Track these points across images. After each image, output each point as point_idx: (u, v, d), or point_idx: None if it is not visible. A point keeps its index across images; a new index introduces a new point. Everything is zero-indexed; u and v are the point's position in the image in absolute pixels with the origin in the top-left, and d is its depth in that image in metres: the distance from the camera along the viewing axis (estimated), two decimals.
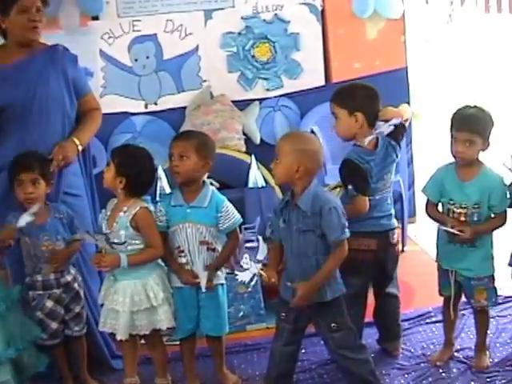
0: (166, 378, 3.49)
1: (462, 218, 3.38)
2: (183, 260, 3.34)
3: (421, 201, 4.01)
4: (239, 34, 4.76)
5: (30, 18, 3.41)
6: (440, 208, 3.48)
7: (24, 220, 3.19)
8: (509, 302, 3.89)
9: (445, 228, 3.38)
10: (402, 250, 4.68)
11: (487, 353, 3.56)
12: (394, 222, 3.52)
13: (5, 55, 3.48)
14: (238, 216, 3.36)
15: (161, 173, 4.19)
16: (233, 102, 4.72)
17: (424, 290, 4.22)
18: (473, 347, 3.60)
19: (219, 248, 3.36)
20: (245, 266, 3.81)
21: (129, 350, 3.44)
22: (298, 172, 3.05)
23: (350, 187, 3.31)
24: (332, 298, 3.12)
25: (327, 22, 4.86)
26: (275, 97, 4.82)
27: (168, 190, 4.11)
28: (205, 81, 4.77)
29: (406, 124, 3.55)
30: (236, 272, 3.85)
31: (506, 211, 3.39)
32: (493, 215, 3.39)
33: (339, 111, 3.39)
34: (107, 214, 3.33)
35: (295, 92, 4.85)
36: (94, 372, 3.62)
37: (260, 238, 3.51)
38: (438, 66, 10.69)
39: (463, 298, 3.58)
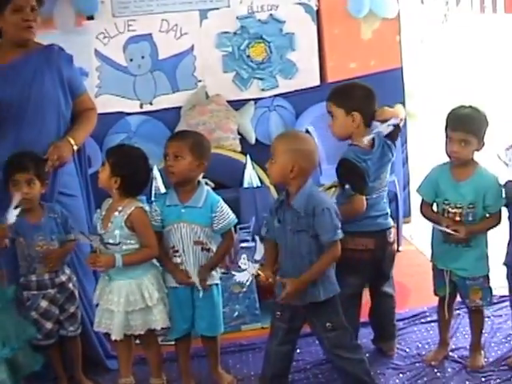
0: (160, 378, 3.48)
1: (457, 218, 3.38)
2: (178, 260, 3.33)
3: (416, 201, 4.01)
4: (234, 33, 4.75)
5: (24, 18, 3.40)
6: (435, 208, 3.48)
7: (12, 215, 3.16)
8: (504, 301, 3.88)
9: (440, 228, 3.39)
10: (397, 250, 4.63)
11: (482, 352, 3.57)
12: (391, 220, 3.53)
13: (0, 55, 3.48)
14: (232, 216, 3.36)
15: (156, 173, 4.18)
16: (228, 101, 4.71)
17: (419, 290, 4.23)
18: (468, 347, 3.60)
19: (214, 248, 3.36)
20: (243, 267, 3.82)
21: (124, 350, 3.43)
22: (292, 172, 3.05)
23: (347, 187, 3.30)
24: (326, 298, 3.12)
25: (322, 21, 4.85)
26: (270, 97, 4.81)
27: (163, 190, 4.11)
28: (200, 81, 4.76)
29: (401, 124, 3.56)
30: (234, 272, 3.86)
31: (500, 211, 3.39)
32: (487, 215, 3.40)
33: (336, 110, 3.38)
34: (102, 213, 3.33)
35: (290, 92, 4.84)
36: (89, 372, 3.61)
37: (257, 238, 3.51)
38: (433, 66, 10.68)
39: (458, 298, 3.59)
